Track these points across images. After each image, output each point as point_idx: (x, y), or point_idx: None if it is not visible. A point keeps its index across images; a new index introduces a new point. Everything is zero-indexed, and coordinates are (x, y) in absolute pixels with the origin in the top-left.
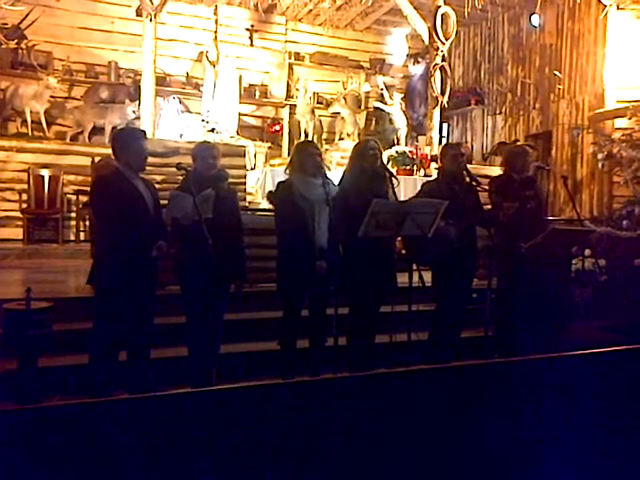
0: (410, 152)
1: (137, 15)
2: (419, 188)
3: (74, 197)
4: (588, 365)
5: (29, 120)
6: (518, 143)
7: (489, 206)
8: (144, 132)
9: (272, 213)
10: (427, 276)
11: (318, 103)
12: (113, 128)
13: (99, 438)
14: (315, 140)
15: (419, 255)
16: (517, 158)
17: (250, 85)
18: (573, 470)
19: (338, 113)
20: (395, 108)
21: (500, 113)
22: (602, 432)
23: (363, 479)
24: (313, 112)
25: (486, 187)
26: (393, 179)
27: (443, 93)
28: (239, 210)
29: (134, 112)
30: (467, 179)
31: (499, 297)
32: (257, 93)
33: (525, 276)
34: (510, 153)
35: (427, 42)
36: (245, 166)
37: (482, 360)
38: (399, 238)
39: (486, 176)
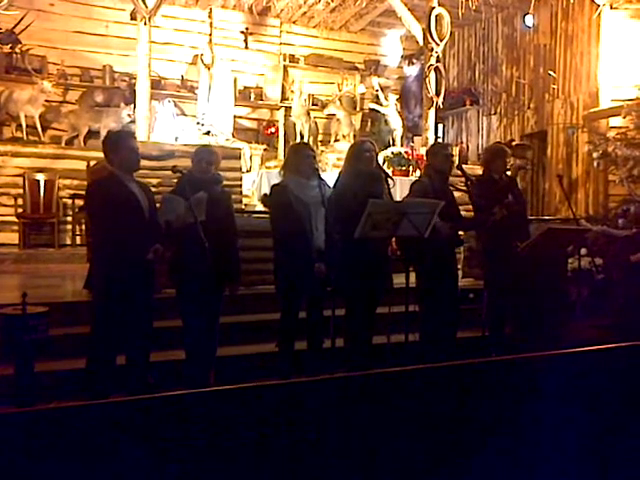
0: (406, 153)
1: (131, 19)
2: (409, 188)
3: (70, 201)
4: (585, 363)
5: (24, 124)
6: (514, 143)
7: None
8: (132, 132)
9: (268, 215)
10: None
11: (313, 105)
12: (108, 132)
13: (97, 440)
14: (311, 142)
15: (415, 257)
16: (497, 158)
17: (245, 87)
18: (573, 468)
19: (333, 115)
20: (390, 109)
21: (495, 113)
22: (599, 429)
23: (360, 479)
24: (308, 114)
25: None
26: (389, 180)
27: (438, 94)
28: (233, 213)
29: (129, 115)
30: (461, 178)
31: (493, 298)
32: (252, 95)
33: (521, 276)
34: (489, 153)
35: (421, 43)
36: (241, 168)
37: (479, 359)
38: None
39: None
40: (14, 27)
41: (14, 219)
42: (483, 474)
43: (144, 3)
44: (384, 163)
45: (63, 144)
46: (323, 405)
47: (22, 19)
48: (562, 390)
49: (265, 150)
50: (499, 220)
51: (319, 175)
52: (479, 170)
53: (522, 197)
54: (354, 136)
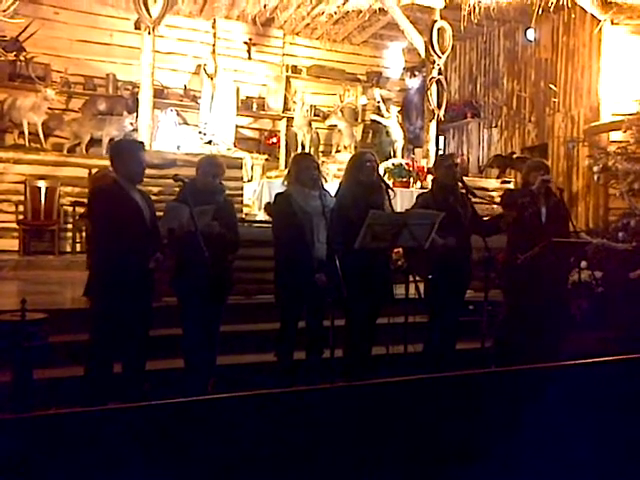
0: (407, 164)
1: (135, 28)
2: (414, 200)
3: (71, 209)
4: (585, 375)
5: (26, 132)
6: (514, 156)
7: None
8: (143, 144)
9: (269, 225)
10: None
11: (315, 115)
12: (110, 140)
13: (95, 447)
14: (312, 152)
15: (420, 268)
16: (532, 171)
17: (247, 97)
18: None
19: (335, 125)
20: (392, 121)
21: (496, 126)
22: (599, 442)
23: None
24: (310, 124)
25: (483, 199)
26: (389, 191)
27: (439, 106)
28: (236, 222)
29: (132, 124)
30: (462, 190)
31: (506, 311)
32: (254, 105)
33: (530, 288)
34: (527, 167)
35: (423, 56)
36: (242, 178)
37: (479, 370)
38: (397, 250)
39: (482, 188)
40: (19, 35)
41: (15, 226)
42: None
43: (148, 13)
44: (385, 174)
45: (65, 152)
46: (322, 414)
47: (27, 27)
48: (562, 402)
49: (266, 160)
50: (511, 223)
51: (321, 186)
52: (480, 182)
53: (559, 209)
54: (355, 147)
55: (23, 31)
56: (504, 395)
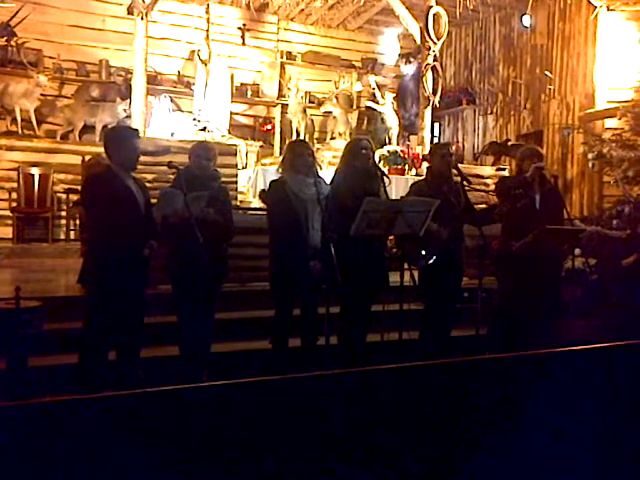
0: (402, 151)
1: (128, 13)
2: (408, 188)
3: (64, 196)
4: (578, 361)
5: (19, 118)
6: (509, 143)
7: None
8: (137, 131)
9: (263, 212)
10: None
11: (310, 102)
12: (104, 127)
13: (89, 434)
14: (307, 139)
15: (414, 258)
16: (526, 158)
17: (242, 84)
18: (569, 466)
19: (330, 112)
20: (387, 107)
21: (491, 113)
22: (595, 427)
23: (353, 476)
24: (305, 111)
25: (477, 187)
26: (385, 178)
27: (435, 93)
28: (231, 209)
29: (125, 111)
30: (457, 178)
31: (501, 298)
32: (249, 92)
33: (526, 276)
34: (521, 154)
35: (419, 42)
36: (236, 165)
37: (474, 357)
38: (391, 237)
39: (477, 175)
40: (10, 20)
41: (8, 213)
42: (478, 471)
43: None
44: (380, 161)
45: (58, 138)
46: (317, 401)
47: (18, 12)
48: (556, 388)
49: (261, 147)
50: (504, 214)
51: (316, 173)
52: (475, 169)
53: (553, 196)
54: (350, 134)
55: (14, 16)
56: (498, 381)
